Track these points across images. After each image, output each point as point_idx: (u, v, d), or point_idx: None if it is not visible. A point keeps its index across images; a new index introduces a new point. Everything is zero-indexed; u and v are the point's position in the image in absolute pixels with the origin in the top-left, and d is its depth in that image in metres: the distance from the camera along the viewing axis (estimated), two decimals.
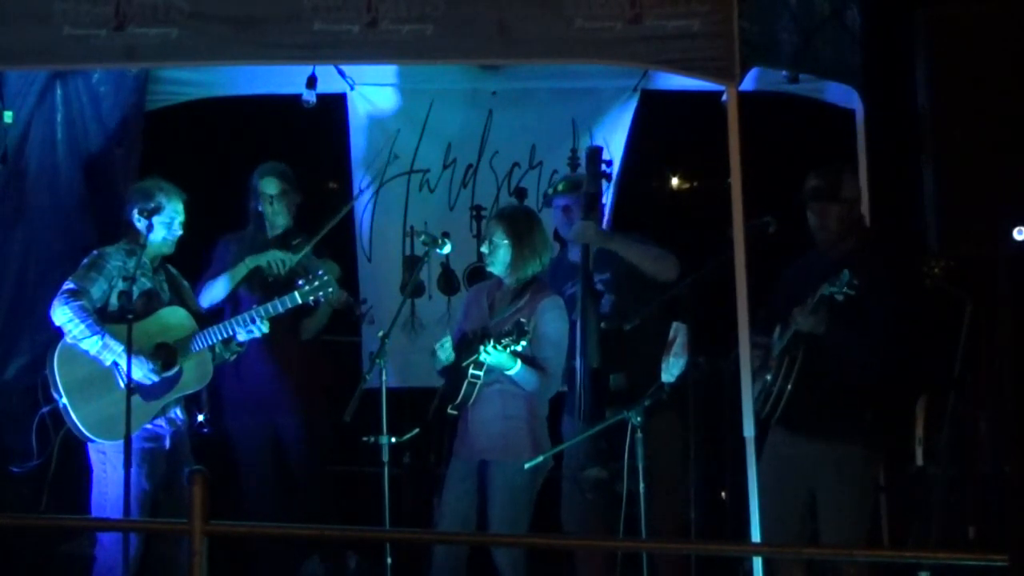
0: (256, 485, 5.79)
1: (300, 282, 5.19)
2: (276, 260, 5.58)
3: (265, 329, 5.14)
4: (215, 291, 5.63)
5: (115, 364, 4.93)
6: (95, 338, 4.92)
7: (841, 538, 4.71)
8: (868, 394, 4.79)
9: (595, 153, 5.36)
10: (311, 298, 5.17)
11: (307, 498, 5.80)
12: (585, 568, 5.45)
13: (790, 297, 4.84)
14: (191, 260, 5.50)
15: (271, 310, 5.15)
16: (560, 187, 5.57)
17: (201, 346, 5.08)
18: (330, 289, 5.18)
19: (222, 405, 5.81)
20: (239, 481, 5.84)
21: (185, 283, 5.35)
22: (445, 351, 5.10)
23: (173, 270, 5.31)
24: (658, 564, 5.04)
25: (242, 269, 5.62)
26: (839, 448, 4.75)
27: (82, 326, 4.91)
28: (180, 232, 5.18)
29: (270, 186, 5.83)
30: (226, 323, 5.13)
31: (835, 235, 4.87)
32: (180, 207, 5.17)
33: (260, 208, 5.83)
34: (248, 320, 5.11)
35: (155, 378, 4.97)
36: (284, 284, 5.41)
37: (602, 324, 5.23)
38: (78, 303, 4.93)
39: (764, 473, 4.48)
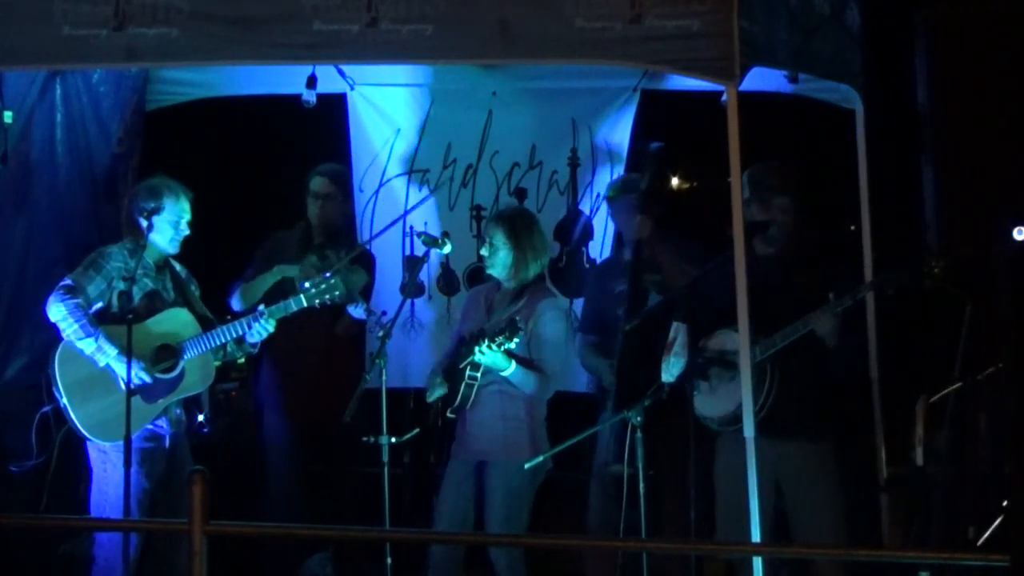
0: (283, 479, 5.82)
1: (306, 285, 5.18)
2: (299, 274, 5.55)
3: (271, 329, 5.14)
4: (247, 295, 5.64)
5: (109, 366, 4.93)
6: (89, 340, 4.91)
7: (816, 535, 4.70)
8: (851, 392, 4.82)
9: (659, 151, 5.37)
10: (317, 301, 5.16)
11: (330, 494, 5.83)
12: (595, 567, 5.44)
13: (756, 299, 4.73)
14: (194, 260, 5.49)
15: (276, 312, 5.14)
16: (615, 190, 5.58)
17: (202, 348, 5.07)
18: (336, 292, 5.17)
19: (259, 399, 5.92)
20: (265, 475, 5.87)
21: (193, 283, 5.34)
22: (435, 395, 5.12)
23: (180, 269, 5.29)
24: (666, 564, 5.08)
25: (271, 278, 5.61)
26: (809, 446, 4.74)
27: (76, 326, 4.90)
28: (187, 232, 5.16)
29: (317, 184, 5.86)
30: (229, 326, 5.12)
31: (792, 230, 4.85)
32: (187, 206, 5.15)
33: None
34: (253, 321, 5.10)
35: (147, 378, 4.96)
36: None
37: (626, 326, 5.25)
38: (74, 301, 4.92)
39: (730, 476, 4.46)
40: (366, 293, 5.73)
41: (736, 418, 4.57)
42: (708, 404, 4.78)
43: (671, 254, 5.37)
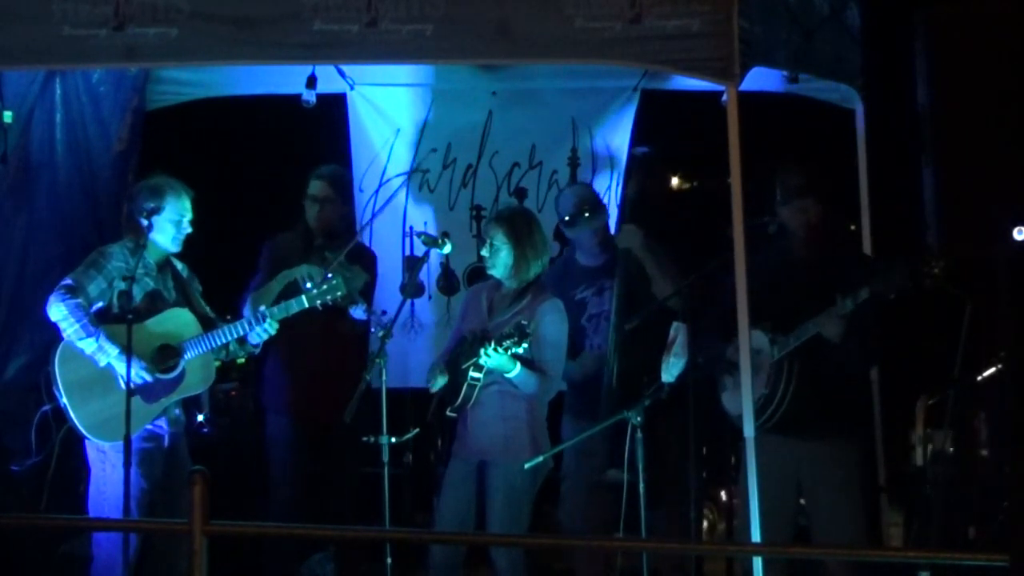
0: (284, 478, 5.81)
1: (308, 285, 5.18)
2: (304, 275, 5.55)
3: (273, 331, 5.13)
4: (257, 304, 5.60)
5: (110, 366, 4.93)
6: (90, 339, 4.90)
7: (835, 532, 4.70)
8: (861, 390, 4.81)
9: (643, 157, 5.34)
10: (318, 302, 5.15)
11: (330, 494, 5.84)
12: (585, 568, 5.45)
13: (767, 302, 4.72)
14: (195, 260, 5.49)
15: (277, 313, 5.14)
16: (586, 215, 5.52)
17: (204, 348, 5.06)
18: (338, 293, 5.16)
19: (261, 399, 5.91)
20: (265, 474, 5.86)
21: (195, 282, 5.34)
22: (437, 385, 5.10)
23: (181, 268, 5.29)
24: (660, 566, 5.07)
25: (277, 285, 5.61)
26: (826, 443, 4.73)
27: (77, 326, 4.89)
28: (189, 230, 5.15)
29: (314, 187, 5.84)
30: (231, 326, 5.11)
31: (818, 232, 4.85)
32: (188, 204, 5.14)
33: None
34: (255, 322, 5.09)
35: (148, 377, 4.96)
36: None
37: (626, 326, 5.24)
38: (74, 300, 4.92)
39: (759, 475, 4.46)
40: (367, 293, 5.72)
41: (760, 413, 4.60)
42: (735, 401, 4.76)
43: (660, 263, 5.35)
